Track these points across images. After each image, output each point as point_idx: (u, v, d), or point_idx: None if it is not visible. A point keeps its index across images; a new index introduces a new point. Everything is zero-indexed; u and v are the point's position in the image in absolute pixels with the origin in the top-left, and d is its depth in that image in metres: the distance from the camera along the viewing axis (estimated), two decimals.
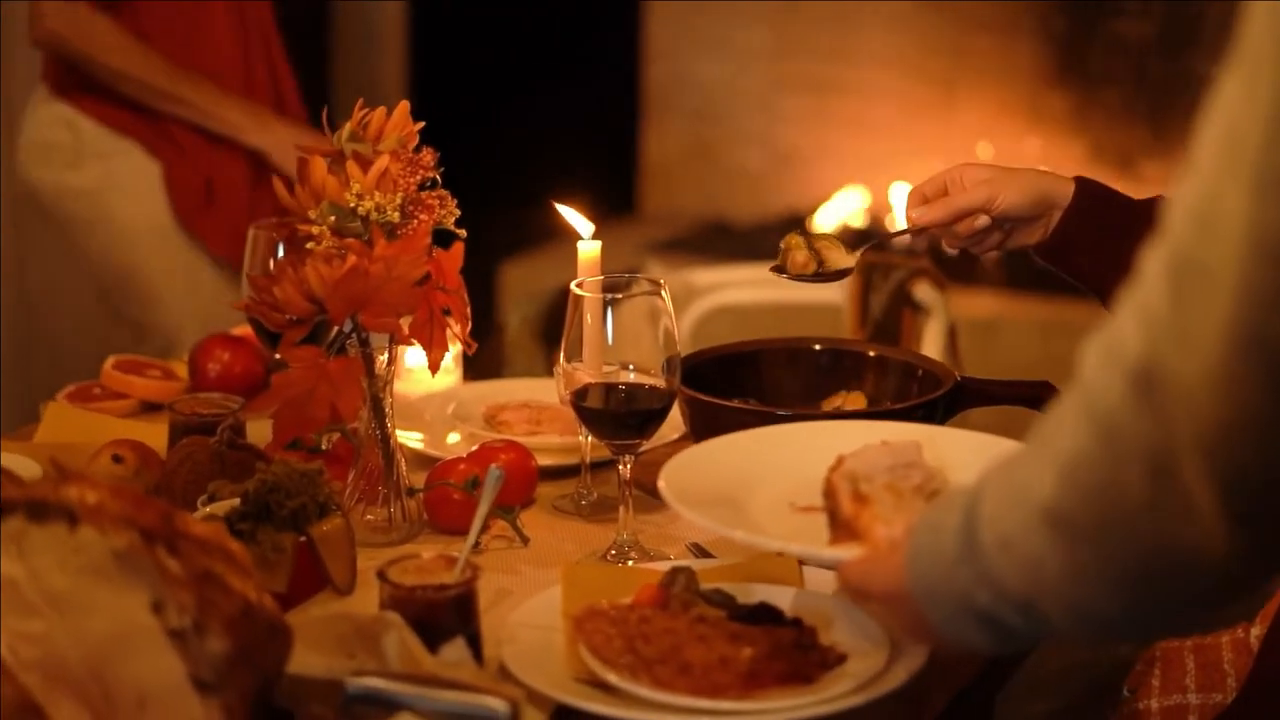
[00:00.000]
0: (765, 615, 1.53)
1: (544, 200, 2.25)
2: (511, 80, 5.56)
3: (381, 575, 1.50)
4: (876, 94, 5.27)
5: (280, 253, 2.00)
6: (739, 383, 1.96)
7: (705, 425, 1.89)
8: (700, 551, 1.77)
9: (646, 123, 5.60)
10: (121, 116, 3.09)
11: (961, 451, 1.58)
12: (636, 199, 5.57)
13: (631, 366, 1.71)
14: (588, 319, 1.69)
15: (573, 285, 1.72)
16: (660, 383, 1.70)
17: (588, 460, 1.92)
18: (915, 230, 1.88)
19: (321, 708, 1.32)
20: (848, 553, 1.39)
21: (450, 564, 1.53)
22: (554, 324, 3.12)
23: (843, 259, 1.76)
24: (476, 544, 1.78)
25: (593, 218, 1.91)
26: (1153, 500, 1.02)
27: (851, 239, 1.90)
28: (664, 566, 1.66)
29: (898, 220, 5.04)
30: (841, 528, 1.43)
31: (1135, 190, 4.92)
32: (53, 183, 3.18)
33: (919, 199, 1.88)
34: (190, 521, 1.26)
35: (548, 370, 3.09)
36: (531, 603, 1.58)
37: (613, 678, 1.42)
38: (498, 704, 1.27)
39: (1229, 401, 0.97)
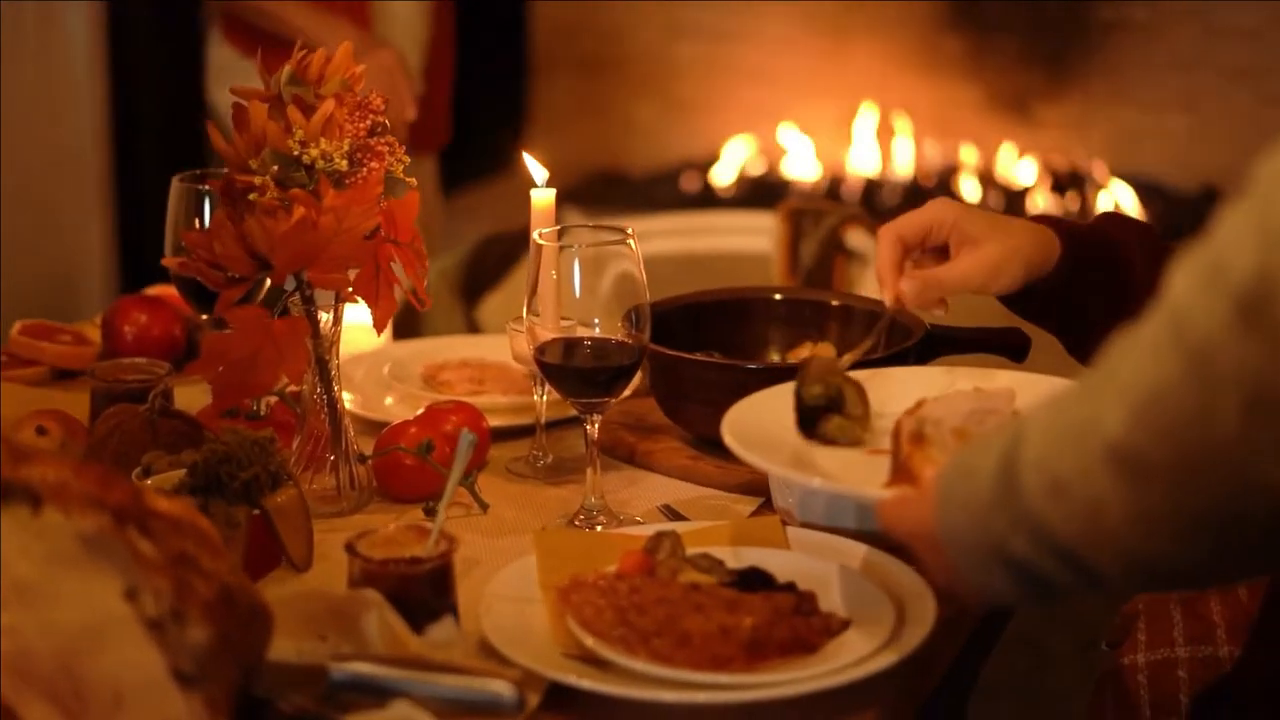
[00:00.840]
0: (759, 580, 1.45)
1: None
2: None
3: (350, 549, 1.40)
4: (770, 42, 5.19)
5: (206, 206, 1.87)
6: (696, 335, 1.87)
7: (667, 380, 1.80)
8: (672, 514, 1.68)
9: (536, 73, 5.48)
10: (243, 40, 3.30)
11: None
12: (527, 151, 5.45)
13: (596, 321, 1.62)
14: (553, 272, 1.59)
15: (535, 235, 1.62)
16: (629, 337, 1.61)
17: (543, 420, 1.82)
18: (898, 310, 1.65)
19: (302, 697, 1.21)
20: (887, 493, 1.31)
21: (421, 535, 1.43)
22: (472, 277, 3.01)
23: (860, 401, 1.54)
24: (434, 511, 1.69)
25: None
26: (1246, 434, 0.93)
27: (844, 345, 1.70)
28: (639, 531, 1.58)
29: (789, 169, 4.98)
30: (899, 470, 1.36)
31: (1032, 136, 4.88)
32: (204, 99, 3.51)
33: (898, 247, 1.63)
34: (159, 499, 1.15)
35: (468, 327, 3.00)
36: (505, 574, 1.49)
37: (608, 652, 1.33)
38: (503, 687, 1.18)
39: None
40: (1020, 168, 4.85)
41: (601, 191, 5.06)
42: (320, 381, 1.69)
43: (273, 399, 1.81)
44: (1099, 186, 4.71)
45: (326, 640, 1.32)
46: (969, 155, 4.92)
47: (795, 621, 1.37)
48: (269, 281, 1.67)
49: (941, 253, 1.65)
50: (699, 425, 1.80)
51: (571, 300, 1.60)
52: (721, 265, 3.02)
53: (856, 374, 1.58)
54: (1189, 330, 0.95)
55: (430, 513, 1.69)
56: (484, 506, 1.70)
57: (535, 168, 1.77)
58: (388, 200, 1.61)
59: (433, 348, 2.14)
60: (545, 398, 1.81)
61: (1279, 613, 1.52)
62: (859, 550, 1.51)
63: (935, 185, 4.78)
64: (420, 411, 1.81)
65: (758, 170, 5.04)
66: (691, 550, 1.48)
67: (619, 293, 1.62)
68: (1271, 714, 1.51)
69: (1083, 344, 1.70)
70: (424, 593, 1.38)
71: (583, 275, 1.59)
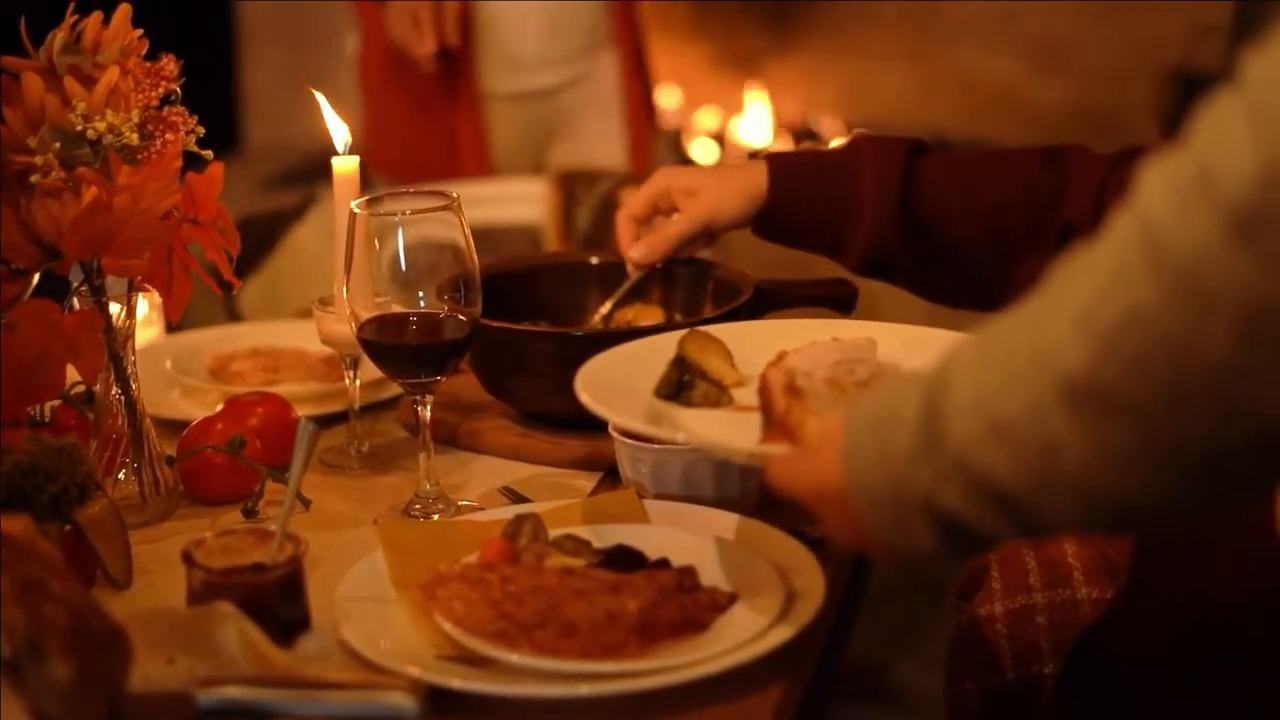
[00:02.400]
0: (630, 559, 1.36)
1: None
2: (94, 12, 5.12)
3: (188, 558, 1.26)
4: None
5: None
6: (513, 304, 1.77)
7: (490, 354, 1.69)
8: (514, 495, 1.58)
9: (245, 51, 5.26)
10: None
11: (920, 348, 1.42)
12: (240, 134, 5.23)
13: (420, 294, 1.50)
14: (376, 243, 1.47)
15: (352, 205, 1.49)
16: (457, 310, 1.49)
17: (357, 406, 1.70)
18: (641, 272, 1.81)
19: None
20: (779, 449, 1.22)
21: (261, 539, 1.31)
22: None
23: (729, 370, 1.52)
24: (254, 512, 1.57)
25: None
26: (1236, 359, 0.86)
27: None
28: (487, 517, 1.47)
29: None
30: (774, 425, 1.27)
31: (764, 93, 4.87)
32: None
33: (632, 226, 1.79)
34: None
35: (229, 316, 2.82)
36: (353, 574, 1.36)
37: (489, 649, 1.22)
38: (403, 699, 1.06)
39: None
40: (755, 125, 4.84)
41: (325, 172, 4.88)
42: (116, 379, 1.53)
43: (55, 403, 1.65)
44: (830, 140, 4.73)
45: (174, 664, 1.18)
46: (705, 116, 4.89)
47: (682, 599, 1.29)
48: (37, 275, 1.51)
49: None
50: (527, 400, 1.70)
51: (395, 274, 1.48)
52: (502, 236, 2.90)
53: (715, 331, 1.50)
54: (1171, 249, 0.86)
55: (249, 514, 1.56)
56: (305, 503, 1.57)
57: (337, 127, 1.63)
58: (187, 176, 1.47)
59: (216, 337, 1.99)
60: (358, 382, 1.69)
61: (1151, 559, 1.49)
62: (726, 519, 1.43)
63: (672, 147, 4.73)
64: (220, 407, 1.67)
65: None
66: (555, 532, 1.39)
67: (439, 263, 1.50)
68: (1146, 663, 1.48)
69: (845, 259, 1.78)
70: (274, 602, 1.26)
71: (405, 246, 1.47)
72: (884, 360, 1.43)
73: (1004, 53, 4.61)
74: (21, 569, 0.97)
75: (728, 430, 1.39)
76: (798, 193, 1.75)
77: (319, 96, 1.65)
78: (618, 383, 1.43)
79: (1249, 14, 4.19)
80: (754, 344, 1.50)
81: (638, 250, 1.78)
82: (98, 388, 1.54)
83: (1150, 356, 0.88)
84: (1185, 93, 4.13)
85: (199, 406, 1.79)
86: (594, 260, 1.85)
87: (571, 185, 2.73)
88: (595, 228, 2.68)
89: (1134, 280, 0.88)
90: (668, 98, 4.92)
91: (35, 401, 1.56)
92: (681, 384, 1.45)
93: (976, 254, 1.69)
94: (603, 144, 3.16)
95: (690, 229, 1.76)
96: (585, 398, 1.36)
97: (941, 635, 1.69)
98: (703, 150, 4.79)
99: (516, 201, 2.87)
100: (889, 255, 1.71)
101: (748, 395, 1.44)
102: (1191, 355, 0.87)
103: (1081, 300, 0.92)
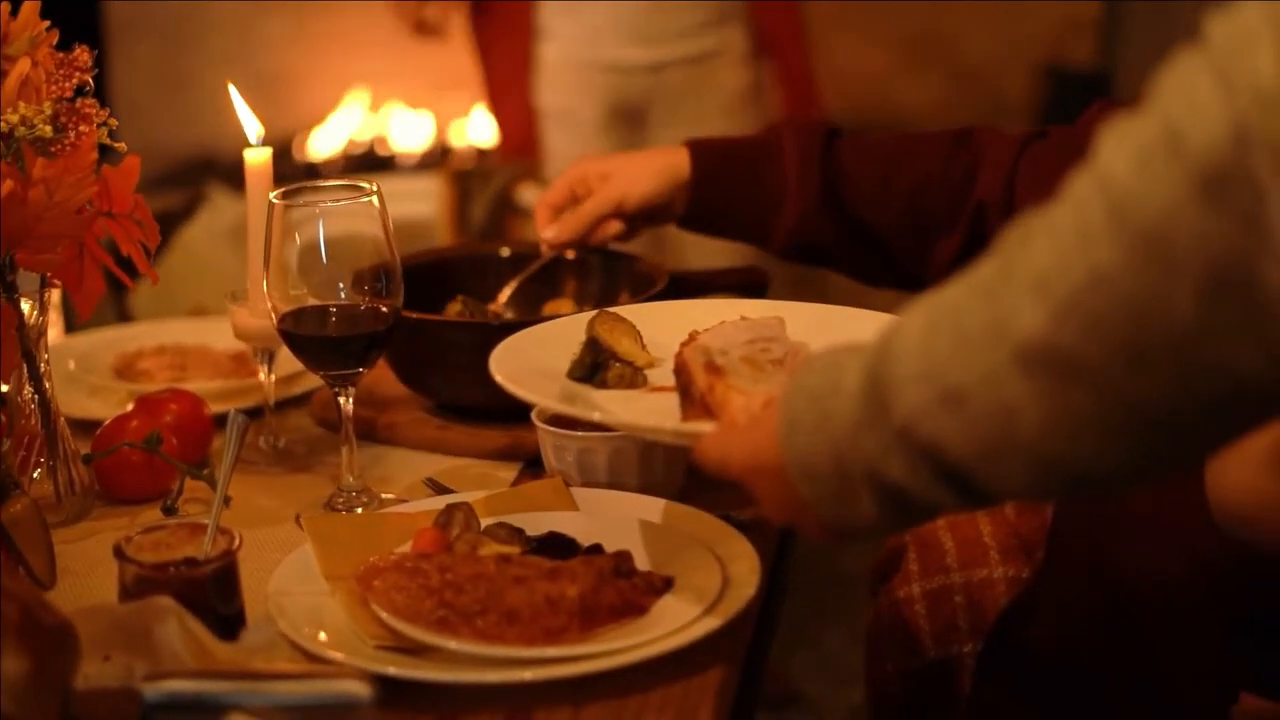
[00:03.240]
0: (563, 546, 1.36)
1: None
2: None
3: (120, 554, 1.24)
4: (358, 7, 5.03)
5: None
6: (426, 296, 1.75)
7: (407, 344, 1.68)
8: (438, 487, 1.57)
9: (112, 53, 5.17)
10: None
11: (826, 326, 1.43)
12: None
13: (341, 286, 1.49)
14: (297, 237, 1.46)
15: (271, 196, 1.48)
16: (380, 302, 1.48)
17: (272, 402, 1.68)
18: (555, 253, 1.83)
19: None
20: (705, 427, 1.22)
21: (192, 534, 1.29)
22: (119, 263, 2.78)
23: (640, 352, 1.51)
24: (174, 509, 1.54)
25: None
26: (1202, 319, 0.85)
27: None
28: (414, 508, 1.46)
29: (395, 142, 4.85)
30: (695, 403, 1.27)
31: None
32: None
33: (550, 212, 1.82)
34: None
35: (118, 317, 2.78)
36: (283, 569, 1.35)
37: (433, 638, 1.21)
38: (358, 686, 1.05)
39: None
40: None
41: (195, 175, 4.81)
42: (30, 378, 1.50)
43: None
44: None
45: (111, 660, 1.16)
46: None
47: (619, 584, 1.29)
48: None
49: None
50: (445, 391, 1.69)
51: (315, 265, 1.47)
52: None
53: (623, 312, 1.51)
54: (1134, 209, 0.86)
55: (169, 511, 1.54)
56: (226, 500, 1.55)
57: (249, 120, 1.62)
58: (102, 168, 1.45)
59: (118, 337, 1.96)
60: (273, 377, 1.67)
61: (1064, 537, 1.52)
62: (655, 505, 1.44)
63: None
64: (132, 405, 1.64)
65: (363, 140, 4.89)
66: (487, 520, 1.38)
67: (359, 254, 1.49)
68: (1063, 639, 1.50)
69: (770, 244, 1.81)
70: (208, 596, 1.25)
71: (325, 238, 1.46)
72: (793, 339, 1.44)
73: (878, 47, 4.67)
74: None
75: (645, 410, 1.40)
76: (720, 178, 1.77)
77: (232, 91, 1.63)
78: (532, 366, 1.44)
79: (1119, 11, 4.29)
80: (661, 325, 1.51)
81: (550, 230, 1.80)
82: (7, 387, 1.51)
83: (1111, 319, 0.88)
84: (1057, 88, 4.21)
85: (106, 406, 1.76)
86: (504, 252, 1.85)
87: (466, 181, 2.72)
88: (489, 223, 2.67)
89: (1095, 242, 0.88)
90: None
91: None
92: (595, 366, 1.45)
93: (896, 235, 1.72)
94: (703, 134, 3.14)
95: (601, 209, 1.78)
96: (500, 378, 1.36)
97: (843, 626, 1.72)
98: None
99: (408, 197, 2.85)
100: (813, 238, 1.73)
101: (661, 376, 1.45)
102: (1154, 317, 0.87)
103: (1039, 264, 0.91)
